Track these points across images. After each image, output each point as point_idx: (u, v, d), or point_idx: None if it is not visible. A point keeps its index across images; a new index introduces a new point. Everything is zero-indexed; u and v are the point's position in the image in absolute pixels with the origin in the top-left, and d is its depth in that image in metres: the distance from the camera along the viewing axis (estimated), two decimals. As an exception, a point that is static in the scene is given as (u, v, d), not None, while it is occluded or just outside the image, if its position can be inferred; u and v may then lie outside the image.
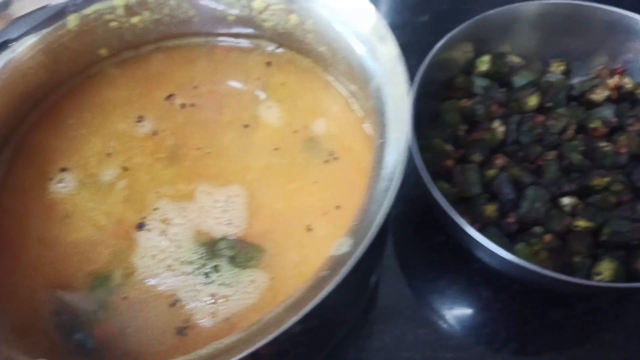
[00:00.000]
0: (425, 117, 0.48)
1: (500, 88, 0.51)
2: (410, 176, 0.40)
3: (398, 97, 0.35)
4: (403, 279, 0.49)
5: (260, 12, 0.44)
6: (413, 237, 0.51)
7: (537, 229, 0.44)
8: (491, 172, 0.46)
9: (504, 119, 0.49)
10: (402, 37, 0.38)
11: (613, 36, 0.51)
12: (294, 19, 0.43)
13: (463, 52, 0.52)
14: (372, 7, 0.38)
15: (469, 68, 0.52)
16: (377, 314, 0.47)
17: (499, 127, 0.49)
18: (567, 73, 0.53)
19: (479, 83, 0.52)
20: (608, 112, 0.48)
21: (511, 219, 0.45)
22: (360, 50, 0.40)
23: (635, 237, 0.43)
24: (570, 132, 0.49)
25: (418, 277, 0.49)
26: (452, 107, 0.50)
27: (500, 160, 0.46)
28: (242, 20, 0.46)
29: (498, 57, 0.52)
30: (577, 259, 0.43)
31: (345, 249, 0.31)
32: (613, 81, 0.49)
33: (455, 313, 0.47)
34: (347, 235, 0.32)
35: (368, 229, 0.30)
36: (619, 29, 0.50)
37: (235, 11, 0.45)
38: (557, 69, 0.52)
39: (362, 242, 0.29)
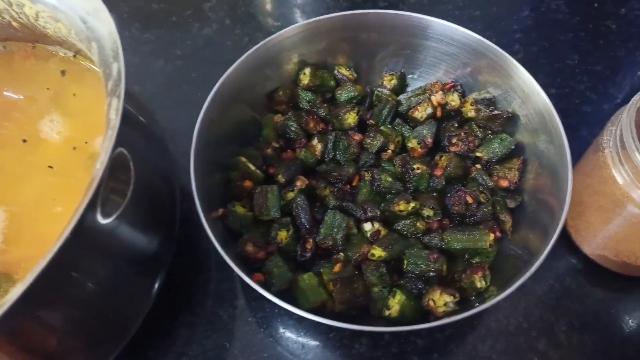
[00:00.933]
0: (238, 133, 0.45)
1: (326, 103, 0.48)
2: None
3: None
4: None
5: (36, 20, 0.41)
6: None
7: (341, 256, 0.42)
8: (290, 195, 0.43)
9: (324, 136, 0.46)
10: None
11: (452, 51, 0.47)
12: (62, 27, 0.39)
13: (291, 64, 0.48)
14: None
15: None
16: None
17: (317, 144, 0.46)
18: (402, 87, 0.50)
19: (303, 96, 0.48)
20: (427, 131, 0.45)
21: (308, 246, 0.42)
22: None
23: (432, 269, 0.40)
24: (389, 152, 0.46)
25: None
26: (269, 123, 0.47)
27: (300, 182, 0.43)
28: (25, 28, 0.42)
29: (328, 70, 0.49)
30: (376, 289, 0.40)
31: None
32: (436, 98, 0.46)
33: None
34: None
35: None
36: (458, 45, 0.47)
37: (9, 18, 0.41)
38: (389, 82, 0.49)
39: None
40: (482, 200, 0.44)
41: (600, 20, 0.59)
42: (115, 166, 0.32)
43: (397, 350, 0.42)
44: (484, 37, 0.45)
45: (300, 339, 0.43)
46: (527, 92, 0.43)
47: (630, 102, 0.37)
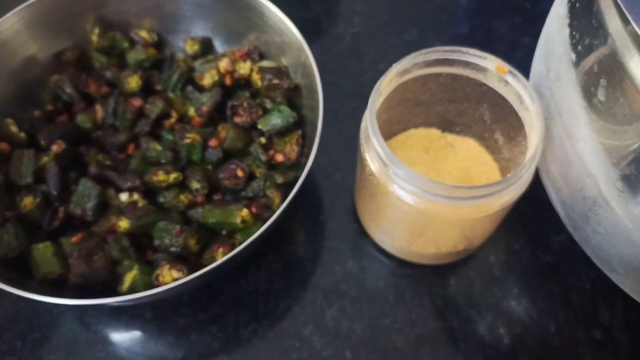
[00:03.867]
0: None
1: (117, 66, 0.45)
2: None
3: None
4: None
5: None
6: None
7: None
8: (45, 159, 0.40)
9: (107, 100, 0.43)
10: None
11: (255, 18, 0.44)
12: None
13: (89, 23, 0.45)
14: None
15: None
16: None
17: (99, 109, 0.43)
18: (207, 54, 0.47)
19: (97, 58, 0.45)
20: (207, 100, 0.42)
21: (57, 215, 0.39)
22: None
23: (175, 244, 0.37)
24: (173, 120, 0.43)
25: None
26: (48, 87, 0.44)
27: (56, 146, 0.40)
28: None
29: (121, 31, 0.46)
30: (126, 263, 0.38)
31: None
32: (223, 64, 0.43)
33: None
34: None
35: None
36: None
37: None
38: (191, 48, 0.46)
39: None
40: (257, 174, 0.41)
41: (450, -5, 0.55)
42: None
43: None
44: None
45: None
46: (302, 60, 0.40)
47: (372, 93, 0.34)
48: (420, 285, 0.41)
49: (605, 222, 0.33)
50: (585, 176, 0.33)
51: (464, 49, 0.36)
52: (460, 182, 0.42)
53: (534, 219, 0.43)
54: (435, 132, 0.44)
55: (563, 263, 0.41)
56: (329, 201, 0.44)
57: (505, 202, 0.34)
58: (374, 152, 0.34)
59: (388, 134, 0.44)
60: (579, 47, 0.32)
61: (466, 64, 0.37)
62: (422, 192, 0.33)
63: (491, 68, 0.36)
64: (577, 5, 0.32)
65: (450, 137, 0.44)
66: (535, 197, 0.38)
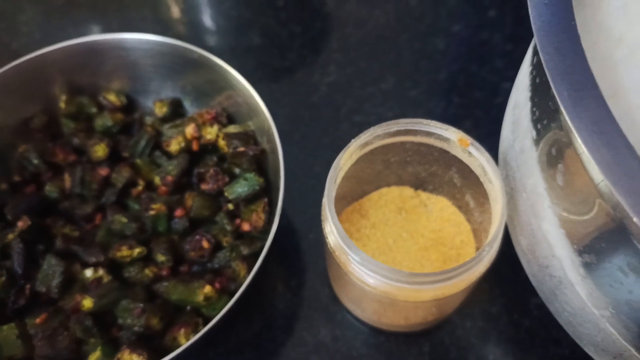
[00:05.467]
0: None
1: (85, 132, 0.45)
2: None
3: None
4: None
5: None
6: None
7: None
8: (10, 236, 0.40)
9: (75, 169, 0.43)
10: None
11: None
12: None
13: (57, 87, 0.45)
14: None
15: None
16: None
17: (68, 178, 0.43)
18: (177, 115, 0.46)
19: (66, 124, 0.45)
20: (172, 167, 0.42)
21: (23, 293, 0.39)
22: None
23: (137, 324, 0.37)
24: (139, 188, 0.43)
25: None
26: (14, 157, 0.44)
27: (22, 223, 0.40)
28: None
29: (91, 96, 0.46)
30: (92, 341, 0.37)
31: None
32: (189, 130, 0.43)
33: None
34: None
35: None
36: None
37: None
38: (160, 110, 0.46)
39: None
40: (224, 244, 0.40)
41: (428, 38, 0.54)
42: None
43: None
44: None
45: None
46: (266, 127, 0.39)
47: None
48: (394, 355, 0.40)
49: (572, 303, 0.31)
50: (551, 256, 0.31)
51: (425, 121, 0.35)
52: (433, 245, 0.41)
53: (511, 282, 0.42)
54: (408, 191, 0.43)
55: (542, 329, 0.40)
56: (302, 265, 0.44)
57: (469, 281, 0.33)
58: (332, 232, 0.33)
59: (360, 193, 0.43)
60: (539, 126, 0.30)
61: (429, 134, 0.35)
62: (381, 277, 0.32)
63: (454, 139, 0.35)
64: (537, 80, 0.31)
65: (424, 196, 0.43)
66: (514, 258, 0.37)
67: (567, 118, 0.23)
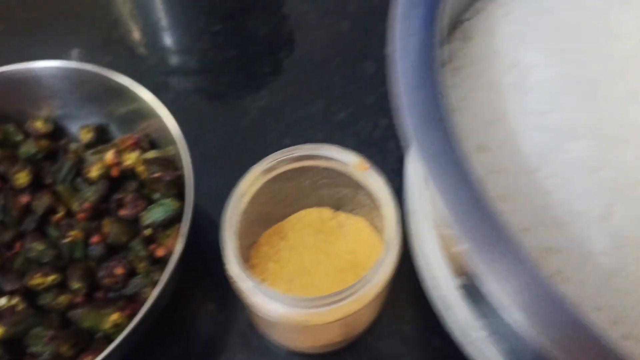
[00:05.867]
0: None
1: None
2: None
3: None
4: None
5: None
6: None
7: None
8: None
9: (-2, 196, 0.44)
10: None
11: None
12: None
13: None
14: None
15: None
16: None
17: (-9, 206, 0.43)
18: (101, 141, 0.47)
19: (-10, 152, 0.46)
20: (90, 193, 0.42)
21: None
22: None
23: (47, 351, 0.37)
24: (60, 214, 0.43)
25: None
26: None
27: None
28: None
29: (18, 123, 0.46)
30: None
31: None
32: (109, 156, 0.43)
33: None
34: None
35: None
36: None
37: None
38: (85, 136, 0.47)
39: None
40: (140, 270, 0.41)
41: (358, 63, 0.55)
42: None
43: None
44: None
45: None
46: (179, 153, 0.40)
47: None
48: (310, 376, 0.40)
49: (457, 324, 0.32)
50: (437, 277, 0.32)
51: (327, 146, 0.36)
52: (349, 266, 0.42)
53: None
54: (327, 212, 0.44)
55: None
56: (219, 288, 0.44)
57: (366, 300, 0.33)
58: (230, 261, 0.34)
59: (281, 215, 0.44)
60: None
61: (328, 159, 0.36)
62: (278, 302, 0.32)
63: (352, 163, 0.36)
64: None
65: (343, 216, 0.44)
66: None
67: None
